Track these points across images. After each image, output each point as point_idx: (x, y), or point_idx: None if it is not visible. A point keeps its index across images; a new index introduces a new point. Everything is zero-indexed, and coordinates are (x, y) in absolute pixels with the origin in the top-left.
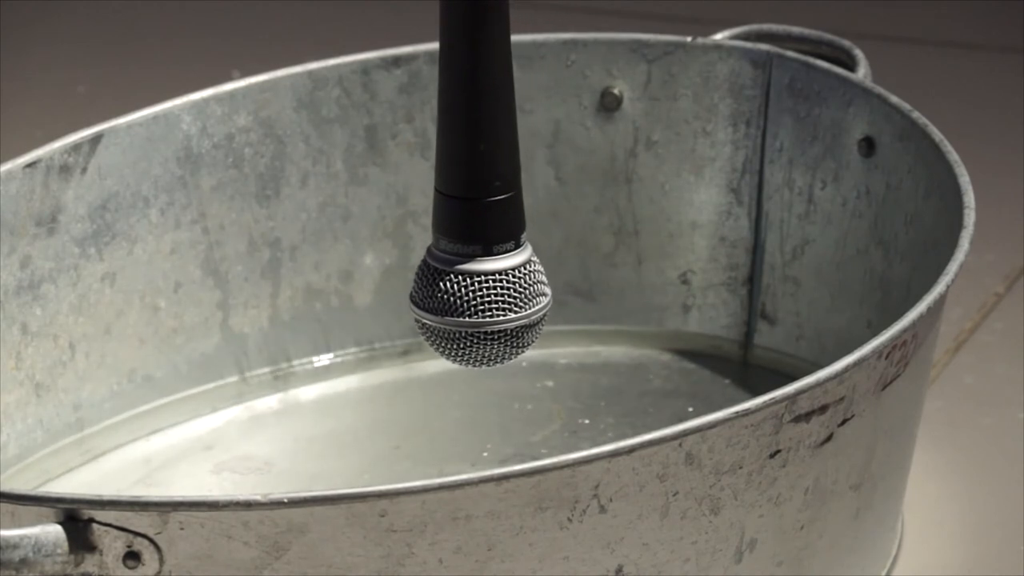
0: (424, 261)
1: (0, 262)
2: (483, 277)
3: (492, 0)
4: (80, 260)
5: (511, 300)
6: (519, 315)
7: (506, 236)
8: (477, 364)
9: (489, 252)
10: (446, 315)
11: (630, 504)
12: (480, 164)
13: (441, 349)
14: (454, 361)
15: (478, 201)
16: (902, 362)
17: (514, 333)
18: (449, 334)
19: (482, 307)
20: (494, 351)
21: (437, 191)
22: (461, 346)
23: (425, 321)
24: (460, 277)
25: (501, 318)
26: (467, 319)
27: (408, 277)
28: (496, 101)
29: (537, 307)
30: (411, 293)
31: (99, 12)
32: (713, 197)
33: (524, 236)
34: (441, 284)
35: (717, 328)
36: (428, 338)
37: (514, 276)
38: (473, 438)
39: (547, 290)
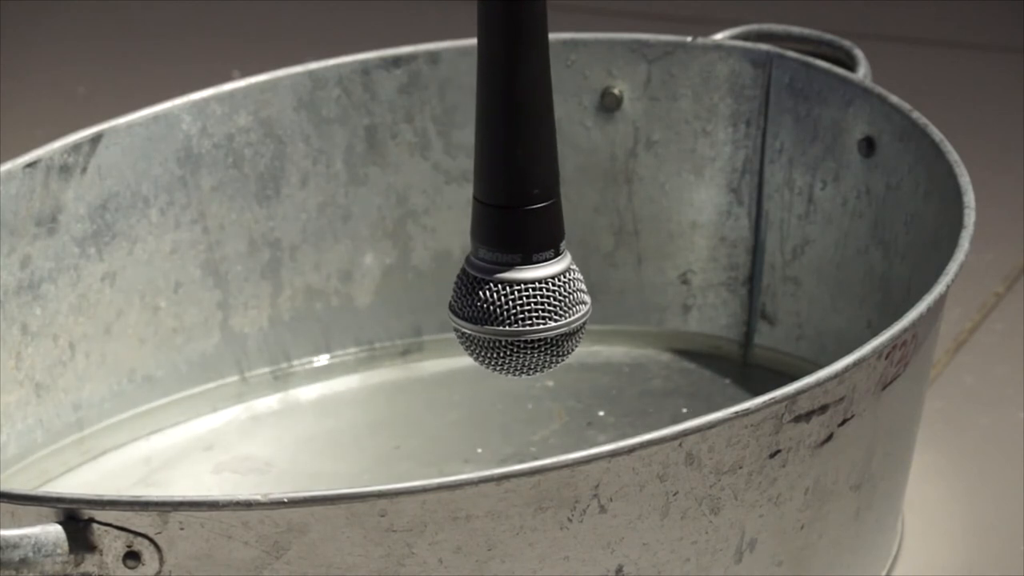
0: (463, 270)
1: (0, 262)
2: (522, 286)
3: (532, 7)
4: (80, 260)
5: (551, 308)
6: (559, 323)
7: (545, 244)
8: (517, 373)
9: (528, 260)
10: (485, 324)
11: (630, 504)
12: (519, 172)
13: (480, 358)
14: (494, 370)
15: (517, 209)
16: (902, 362)
17: (554, 341)
18: (488, 343)
19: (521, 316)
20: (534, 360)
21: (476, 200)
22: (501, 355)
23: (464, 330)
24: (499, 286)
25: (541, 327)
26: (506, 328)
27: (408, 277)
28: (535, 109)
29: (577, 315)
30: (450, 302)
31: (99, 12)
32: (713, 197)
33: (564, 244)
34: (480, 293)
35: (717, 328)
36: (467, 347)
37: (554, 284)
38: (473, 438)
39: (587, 298)
